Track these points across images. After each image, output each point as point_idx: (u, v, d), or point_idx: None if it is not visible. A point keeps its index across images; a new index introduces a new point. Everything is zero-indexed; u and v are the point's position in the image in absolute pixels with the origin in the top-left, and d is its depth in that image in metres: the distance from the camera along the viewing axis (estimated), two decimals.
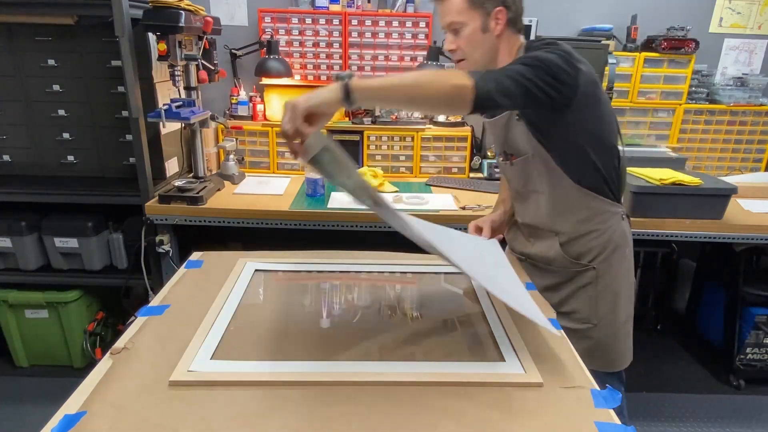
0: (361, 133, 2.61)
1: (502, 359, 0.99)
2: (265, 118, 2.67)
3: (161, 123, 2.06)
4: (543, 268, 1.45)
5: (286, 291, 1.27)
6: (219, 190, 2.30)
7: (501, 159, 1.44)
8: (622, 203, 1.42)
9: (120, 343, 1.02)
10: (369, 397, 0.88)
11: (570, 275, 1.40)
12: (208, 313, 1.13)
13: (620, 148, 1.35)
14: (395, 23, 2.54)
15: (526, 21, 2.27)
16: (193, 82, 2.20)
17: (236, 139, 2.52)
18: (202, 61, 2.20)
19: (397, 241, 1.83)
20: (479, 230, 1.50)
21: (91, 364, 2.21)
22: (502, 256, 1.33)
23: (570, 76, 1.17)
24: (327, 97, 0.97)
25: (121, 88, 2.20)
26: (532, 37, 2.31)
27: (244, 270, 1.35)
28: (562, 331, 1.12)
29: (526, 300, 1.06)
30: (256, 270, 1.37)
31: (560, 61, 1.16)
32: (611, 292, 1.39)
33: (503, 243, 1.57)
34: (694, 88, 2.68)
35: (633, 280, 1.45)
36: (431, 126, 2.63)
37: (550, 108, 1.20)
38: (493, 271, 1.18)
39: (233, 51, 2.63)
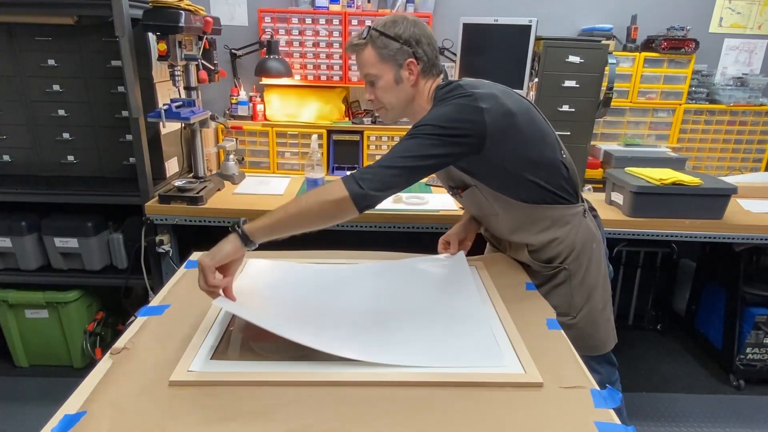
0: (361, 133, 2.61)
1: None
2: (265, 118, 2.66)
3: (161, 123, 2.06)
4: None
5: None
6: (219, 190, 2.30)
7: (449, 192, 1.48)
8: (581, 200, 1.43)
9: (120, 343, 1.02)
10: (369, 398, 0.88)
11: (545, 277, 1.43)
12: (208, 313, 1.13)
13: (562, 158, 1.37)
14: None
15: (525, 21, 2.29)
16: (193, 82, 2.20)
17: (236, 139, 2.52)
18: (202, 61, 2.19)
19: (395, 241, 1.83)
20: (447, 244, 1.54)
21: (91, 364, 2.21)
22: (465, 277, 1.33)
23: (471, 122, 1.18)
24: (228, 249, 1.08)
25: (121, 88, 2.20)
26: (532, 38, 2.30)
27: (245, 269, 1.35)
28: (562, 331, 1.12)
29: (480, 342, 1.04)
30: (257, 269, 1.37)
31: (456, 113, 1.18)
32: (586, 287, 1.42)
33: (481, 242, 1.63)
34: (694, 88, 2.68)
35: (606, 269, 1.48)
36: None
37: (460, 159, 1.23)
38: (436, 322, 1.13)
39: (233, 51, 2.63)
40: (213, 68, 2.32)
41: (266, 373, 0.92)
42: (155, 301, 1.21)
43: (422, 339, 1.06)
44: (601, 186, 2.45)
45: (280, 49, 2.55)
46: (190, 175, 2.42)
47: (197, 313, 1.14)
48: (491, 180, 1.32)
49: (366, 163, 2.62)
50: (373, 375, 0.92)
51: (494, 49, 2.44)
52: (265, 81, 2.60)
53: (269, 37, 2.54)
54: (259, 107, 2.65)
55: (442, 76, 1.36)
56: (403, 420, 0.83)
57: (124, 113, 2.24)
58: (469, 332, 1.08)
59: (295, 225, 1.14)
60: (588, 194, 2.46)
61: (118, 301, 2.43)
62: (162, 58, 2.01)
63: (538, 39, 2.31)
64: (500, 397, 0.89)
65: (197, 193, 2.11)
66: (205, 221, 2.11)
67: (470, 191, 1.37)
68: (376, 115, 2.71)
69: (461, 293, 1.26)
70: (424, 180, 2.59)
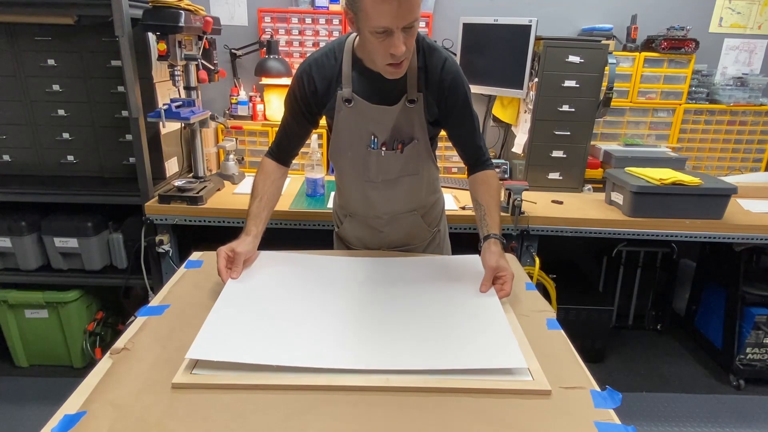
0: None
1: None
2: (265, 118, 2.66)
3: (161, 123, 2.06)
4: (402, 251, 1.55)
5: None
6: (219, 190, 2.30)
7: (384, 149, 1.38)
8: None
9: (120, 343, 1.02)
10: (375, 404, 0.87)
11: (422, 246, 1.60)
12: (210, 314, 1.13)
13: None
14: None
15: (525, 21, 2.29)
16: (193, 82, 2.20)
17: (236, 139, 2.52)
18: (202, 61, 2.19)
19: None
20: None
21: (91, 364, 2.21)
22: (478, 277, 1.29)
23: None
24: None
25: (121, 88, 2.20)
26: (532, 38, 2.30)
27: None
28: (562, 331, 1.12)
29: (498, 338, 1.03)
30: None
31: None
32: (445, 239, 1.69)
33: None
34: (694, 88, 2.68)
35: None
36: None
37: None
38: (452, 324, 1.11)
39: (233, 51, 2.63)
40: (213, 68, 2.32)
41: (270, 376, 0.91)
42: (155, 301, 1.21)
43: (435, 340, 1.04)
44: (601, 186, 2.45)
45: (280, 49, 2.55)
46: (190, 175, 2.42)
47: (197, 313, 1.13)
48: (433, 135, 1.44)
49: None
50: (377, 380, 0.91)
51: (494, 49, 2.44)
52: (265, 81, 2.60)
53: (269, 37, 2.54)
54: (259, 107, 2.65)
55: None
56: (409, 426, 0.82)
57: (124, 113, 2.24)
58: (486, 330, 1.07)
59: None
60: (588, 194, 2.46)
61: (118, 301, 2.43)
62: (162, 58, 2.00)
63: (538, 39, 2.31)
64: (503, 398, 0.89)
65: (197, 193, 2.11)
66: (204, 221, 2.11)
67: (412, 146, 1.39)
68: None
69: (476, 293, 1.23)
70: None
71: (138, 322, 1.11)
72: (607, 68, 2.29)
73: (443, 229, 1.67)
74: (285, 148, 1.46)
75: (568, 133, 2.37)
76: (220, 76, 2.38)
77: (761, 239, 2.12)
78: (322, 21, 2.55)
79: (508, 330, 1.06)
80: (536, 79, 2.34)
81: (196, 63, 2.17)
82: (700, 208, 2.09)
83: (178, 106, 2.05)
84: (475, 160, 1.43)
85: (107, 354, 0.99)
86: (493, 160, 2.63)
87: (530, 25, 2.27)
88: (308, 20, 2.55)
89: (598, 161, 2.56)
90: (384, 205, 1.49)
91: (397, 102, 1.32)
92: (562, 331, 1.12)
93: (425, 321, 1.11)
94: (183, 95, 2.20)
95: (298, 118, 1.39)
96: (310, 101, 1.35)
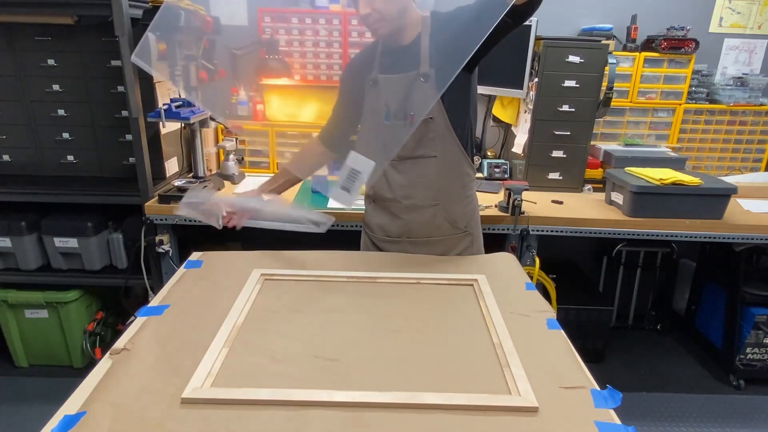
0: None
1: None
2: (265, 118, 2.66)
3: (161, 123, 2.06)
4: (421, 242, 1.51)
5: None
6: (219, 190, 2.30)
7: (394, 120, 1.40)
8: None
9: (120, 343, 1.02)
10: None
11: (449, 245, 1.52)
12: (223, 325, 1.09)
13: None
14: None
15: (525, 21, 2.28)
16: (193, 82, 2.19)
17: (236, 139, 2.52)
18: (202, 61, 2.19)
19: None
20: None
21: (91, 364, 2.21)
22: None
23: None
24: None
25: (121, 88, 2.20)
26: (532, 38, 2.30)
27: (256, 284, 1.30)
28: (562, 331, 1.12)
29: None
30: (266, 281, 1.33)
31: None
32: (480, 251, 1.59)
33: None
34: (694, 88, 2.68)
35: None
36: None
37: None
38: None
39: (233, 51, 2.62)
40: (213, 68, 2.31)
41: (269, 390, 0.88)
42: (155, 302, 1.21)
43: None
44: (601, 186, 2.45)
45: (280, 49, 2.54)
46: (190, 175, 2.42)
47: (197, 313, 1.13)
48: (455, 108, 1.39)
49: None
50: (376, 395, 0.88)
51: (494, 48, 2.43)
52: (265, 81, 2.59)
53: (269, 36, 2.54)
54: (259, 107, 2.65)
55: None
56: None
57: (124, 113, 2.24)
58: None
59: None
60: (588, 194, 2.46)
61: (118, 301, 2.43)
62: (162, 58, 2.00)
63: (538, 39, 2.31)
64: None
65: None
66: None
67: (426, 123, 1.39)
68: None
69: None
70: None
71: (138, 322, 1.11)
72: (607, 68, 2.29)
73: (476, 234, 1.58)
74: (329, 129, 1.56)
75: (568, 133, 2.37)
76: (220, 76, 2.38)
77: (761, 239, 2.12)
78: (322, 21, 2.54)
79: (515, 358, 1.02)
80: (536, 79, 2.34)
81: (196, 63, 2.16)
82: (700, 208, 2.09)
83: (178, 106, 2.05)
84: None
85: (107, 354, 0.99)
86: (493, 160, 2.63)
87: (530, 25, 2.27)
88: (308, 20, 2.55)
89: (598, 161, 2.56)
90: (402, 188, 1.48)
91: (410, 71, 1.36)
92: (562, 331, 1.12)
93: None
94: (183, 95, 2.20)
95: (345, 98, 1.54)
96: (355, 83, 1.46)
